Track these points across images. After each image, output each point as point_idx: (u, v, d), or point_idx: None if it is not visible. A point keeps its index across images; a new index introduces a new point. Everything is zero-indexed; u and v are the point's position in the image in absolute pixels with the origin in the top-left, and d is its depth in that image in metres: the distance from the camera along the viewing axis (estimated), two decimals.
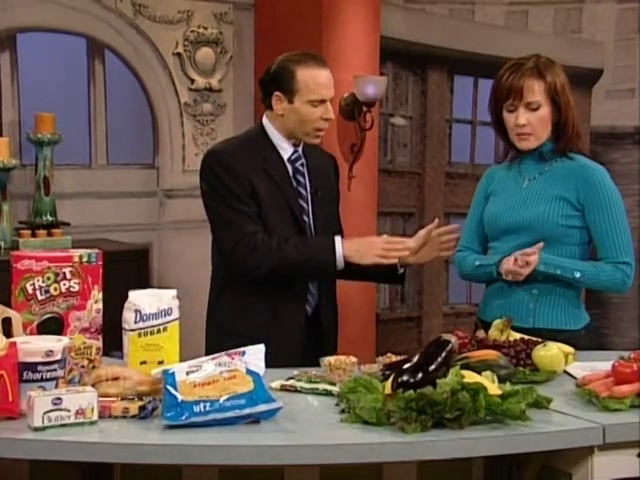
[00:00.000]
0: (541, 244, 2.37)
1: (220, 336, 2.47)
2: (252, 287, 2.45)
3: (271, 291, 2.45)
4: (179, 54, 4.43)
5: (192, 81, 4.48)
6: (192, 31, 4.44)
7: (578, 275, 2.38)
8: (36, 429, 1.66)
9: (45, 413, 1.67)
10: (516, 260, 2.37)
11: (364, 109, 4.45)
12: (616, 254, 2.38)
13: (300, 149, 2.54)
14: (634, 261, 2.40)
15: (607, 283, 2.40)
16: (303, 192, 2.52)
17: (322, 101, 2.46)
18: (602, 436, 1.76)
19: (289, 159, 2.52)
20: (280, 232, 2.44)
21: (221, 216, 2.44)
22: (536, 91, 2.40)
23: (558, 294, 2.42)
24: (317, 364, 2.12)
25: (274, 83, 2.48)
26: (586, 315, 2.49)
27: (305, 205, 2.50)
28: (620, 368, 1.90)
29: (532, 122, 2.41)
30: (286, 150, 2.51)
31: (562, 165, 2.44)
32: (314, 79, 2.44)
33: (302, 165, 2.53)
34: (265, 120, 2.53)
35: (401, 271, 2.54)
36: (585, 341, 2.24)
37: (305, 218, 2.51)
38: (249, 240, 2.39)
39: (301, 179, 2.52)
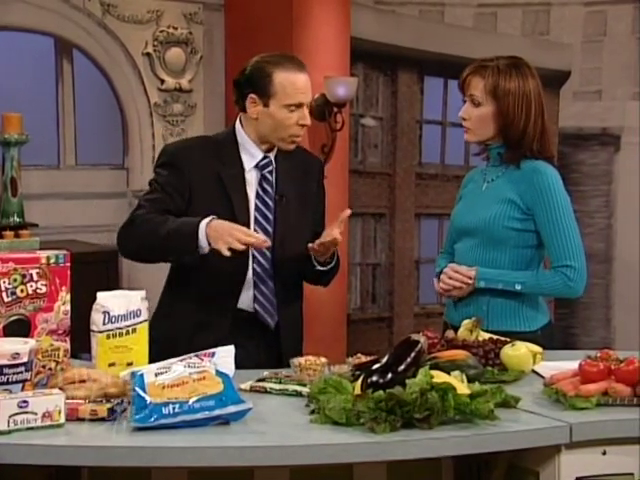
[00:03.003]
0: (473, 273, 2.41)
1: (167, 323, 2.42)
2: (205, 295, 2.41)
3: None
4: (149, 54, 4.41)
5: (162, 81, 4.47)
6: (162, 31, 4.43)
7: (519, 287, 2.40)
8: (1, 432, 1.64)
9: (11, 416, 1.65)
10: (445, 282, 2.45)
11: (335, 110, 4.47)
12: (559, 258, 2.39)
13: (272, 155, 2.47)
14: (582, 264, 2.38)
15: (550, 289, 2.42)
16: (269, 201, 2.45)
17: (299, 106, 2.37)
18: (569, 434, 1.78)
19: (257, 165, 2.45)
20: None
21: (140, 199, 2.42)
22: (473, 87, 2.43)
23: (509, 297, 2.43)
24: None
25: (249, 85, 2.40)
26: (544, 317, 2.48)
27: (269, 214, 2.44)
28: (587, 367, 1.91)
29: (472, 117, 2.44)
30: (254, 156, 2.45)
31: (516, 168, 2.45)
32: (292, 83, 2.36)
33: (270, 172, 2.46)
34: (237, 124, 2.47)
35: (318, 267, 2.44)
36: (540, 343, 2.24)
37: (267, 227, 2.43)
38: (129, 218, 2.36)
39: (267, 187, 2.46)
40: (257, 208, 2.44)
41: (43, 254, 1.99)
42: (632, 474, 1.84)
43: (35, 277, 1.96)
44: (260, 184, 2.45)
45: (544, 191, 2.39)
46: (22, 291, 1.95)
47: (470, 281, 2.42)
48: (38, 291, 1.96)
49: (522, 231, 2.42)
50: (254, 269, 2.44)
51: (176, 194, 2.38)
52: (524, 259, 2.44)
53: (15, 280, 1.94)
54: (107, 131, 4.36)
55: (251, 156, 2.45)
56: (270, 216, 2.44)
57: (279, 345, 2.46)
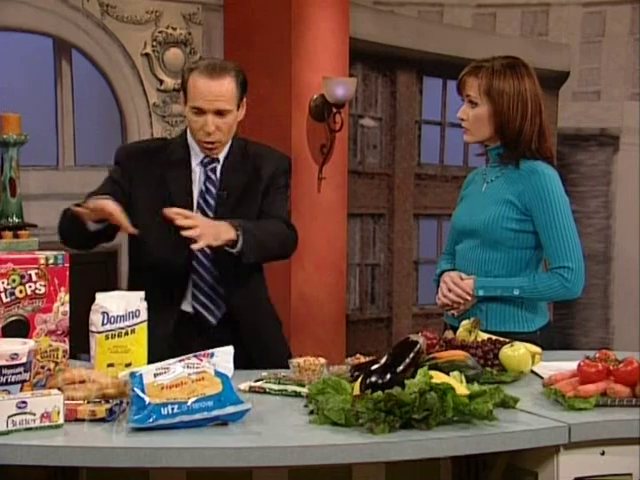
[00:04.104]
0: (470, 281, 2.41)
1: None
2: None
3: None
4: (147, 55, 4.41)
5: (161, 82, 4.47)
6: (160, 32, 4.43)
7: (517, 292, 2.40)
8: (0, 433, 1.64)
9: (9, 417, 1.64)
10: (445, 295, 2.45)
11: (333, 110, 4.47)
12: (556, 259, 2.39)
13: (223, 152, 2.47)
14: (580, 265, 2.38)
15: (548, 292, 2.41)
16: (209, 199, 2.45)
17: (201, 111, 2.39)
18: (567, 435, 1.78)
19: (202, 162, 2.48)
20: (155, 237, 2.40)
21: None
22: (469, 87, 2.43)
23: (508, 297, 2.44)
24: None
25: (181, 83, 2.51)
26: (543, 317, 2.48)
27: (209, 211, 2.43)
28: (585, 368, 1.91)
29: (469, 118, 2.45)
30: (198, 155, 2.47)
31: (515, 169, 2.45)
32: (195, 87, 2.39)
33: (214, 170, 2.47)
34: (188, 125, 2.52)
35: (230, 250, 2.34)
36: (539, 343, 2.24)
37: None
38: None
39: (210, 186, 2.47)
40: (199, 206, 2.46)
41: (42, 255, 1.99)
42: (631, 474, 1.84)
43: (34, 278, 1.96)
44: (204, 182, 2.47)
45: (542, 192, 2.39)
46: (21, 292, 1.95)
47: (469, 297, 2.43)
48: (37, 292, 1.96)
49: (520, 232, 2.42)
50: (193, 267, 2.44)
51: (118, 190, 2.43)
52: (523, 260, 2.44)
53: (14, 281, 1.94)
54: (106, 131, 4.35)
55: (197, 155, 2.49)
56: (210, 213, 2.44)
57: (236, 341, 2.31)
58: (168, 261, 2.43)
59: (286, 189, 2.58)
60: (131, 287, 2.41)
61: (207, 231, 2.28)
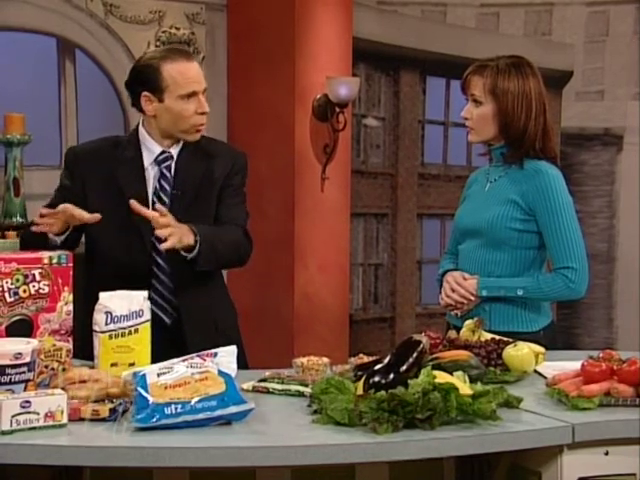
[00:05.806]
0: (474, 281, 2.41)
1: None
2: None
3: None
4: None
5: None
6: (164, 31, 4.42)
7: (521, 292, 2.40)
8: (4, 432, 1.64)
9: (13, 416, 1.65)
10: (448, 296, 2.45)
11: (337, 110, 4.46)
12: (560, 259, 2.39)
13: (176, 149, 2.45)
14: (583, 265, 2.38)
15: (552, 293, 2.41)
16: (164, 197, 2.43)
17: (193, 95, 2.38)
18: (571, 435, 1.78)
19: (156, 160, 2.44)
20: (112, 239, 2.38)
21: None
22: (473, 86, 2.43)
23: (511, 297, 2.43)
24: None
25: (140, 83, 2.40)
26: (546, 317, 2.48)
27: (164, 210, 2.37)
28: (589, 367, 1.91)
29: (474, 117, 2.45)
30: (153, 152, 2.44)
31: (518, 168, 2.45)
32: (181, 73, 2.37)
33: (168, 167, 2.44)
34: (140, 123, 2.48)
35: (187, 255, 2.31)
36: (543, 343, 2.25)
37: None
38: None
39: (164, 184, 2.44)
40: (154, 204, 2.41)
41: (45, 254, 1.99)
42: (634, 474, 1.84)
43: (37, 277, 1.96)
44: (158, 180, 2.45)
45: (546, 192, 2.39)
46: (25, 291, 1.95)
47: (472, 297, 2.42)
48: (40, 291, 1.96)
49: (524, 232, 2.42)
50: (153, 271, 2.41)
51: (71, 196, 2.40)
52: (526, 260, 2.44)
53: (18, 280, 1.95)
54: (109, 131, 4.30)
55: (150, 152, 2.45)
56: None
57: (183, 342, 2.37)
58: (127, 265, 2.39)
59: (242, 190, 2.54)
60: (87, 290, 2.30)
61: (176, 232, 2.26)
